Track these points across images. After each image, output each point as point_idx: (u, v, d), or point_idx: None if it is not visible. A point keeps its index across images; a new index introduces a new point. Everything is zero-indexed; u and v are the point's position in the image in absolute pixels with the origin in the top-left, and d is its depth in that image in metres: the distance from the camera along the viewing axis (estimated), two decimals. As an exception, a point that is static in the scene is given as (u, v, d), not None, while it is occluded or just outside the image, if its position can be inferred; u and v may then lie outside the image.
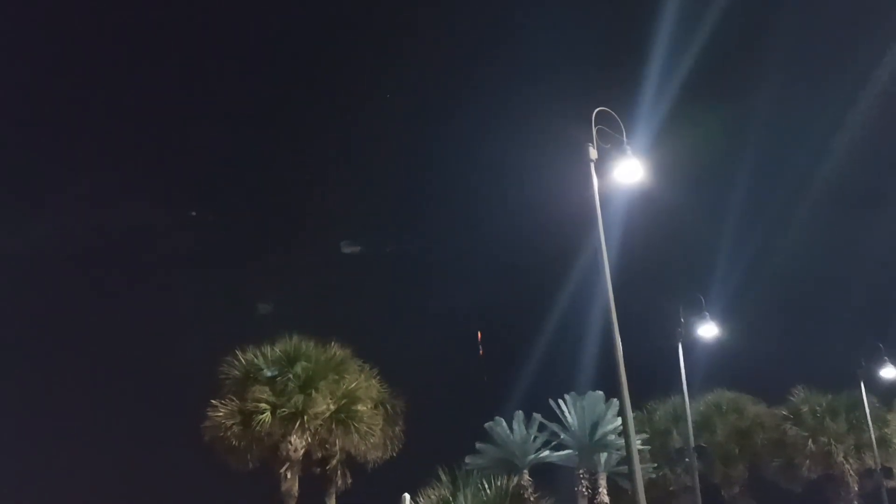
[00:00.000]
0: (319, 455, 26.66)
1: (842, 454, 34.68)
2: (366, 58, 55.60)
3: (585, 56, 51.24)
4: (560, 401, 33.57)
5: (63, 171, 51.74)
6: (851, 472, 34.76)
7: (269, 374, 25.82)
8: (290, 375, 25.72)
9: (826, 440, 34.79)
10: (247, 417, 25.06)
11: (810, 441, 34.89)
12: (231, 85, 58.59)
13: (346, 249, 55.33)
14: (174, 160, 56.00)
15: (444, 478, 28.08)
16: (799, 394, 36.52)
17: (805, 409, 35.79)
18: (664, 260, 50.78)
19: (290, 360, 26.22)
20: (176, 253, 54.06)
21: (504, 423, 33.55)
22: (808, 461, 34.97)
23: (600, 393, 33.39)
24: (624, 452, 16.14)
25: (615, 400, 29.75)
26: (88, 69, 53.14)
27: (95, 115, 54.09)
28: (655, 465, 34.69)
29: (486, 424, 33.91)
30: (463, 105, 56.86)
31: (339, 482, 27.15)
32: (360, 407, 26.38)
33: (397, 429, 28.99)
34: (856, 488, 34.85)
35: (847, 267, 49.53)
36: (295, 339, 26.95)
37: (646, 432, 35.06)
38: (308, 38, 57.97)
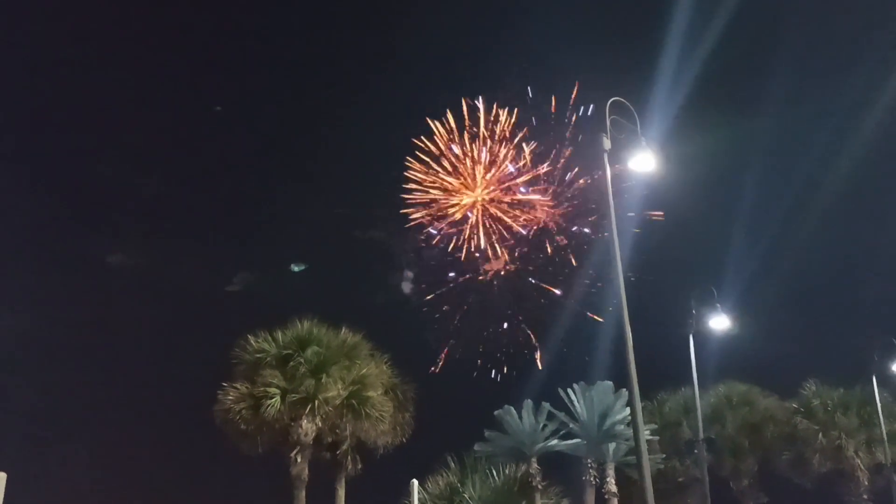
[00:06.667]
0: (329, 440, 26.82)
1: (852, 449, 34.52)
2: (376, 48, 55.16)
3: (602, 50, 51.07)
4: (569, 390, 33.55)
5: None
6: (862, 467, 34.60)
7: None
8: (302, 360, 25.83)
9: (837, 434, 34.63)
10: (257, 402, 25.23)
11: (821, 435, 34.74)
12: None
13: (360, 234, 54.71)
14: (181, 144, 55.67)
15: (452, 464, 28.29)
16: (810, 387, 36.34)
17: (816, 402, 35.62)
18: (678, 251, 50.67)
19: (301, 345, 26.32)
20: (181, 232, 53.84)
21: (513, 412, 33.57)
22: (818, 455, 34.82)
23: (609, 383, 33.34)
24: (633, 443, 16.14)
25: (624, 390, 29.68)
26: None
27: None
28: (664, 456, 34.64)
29: (496, 412, 33.95)
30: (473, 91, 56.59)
31: (349, 467, 27.31)
32: (370, 393, 26.49)
33: (407, 415, 29.13)
34: (866, 483, 34.70)
35: (860, 261, 49.24)
36: (307, 323, 27.07)
37: (655, 423, 35.00)
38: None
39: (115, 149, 51.45)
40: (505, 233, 48.97)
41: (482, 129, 47.54)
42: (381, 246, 53.08)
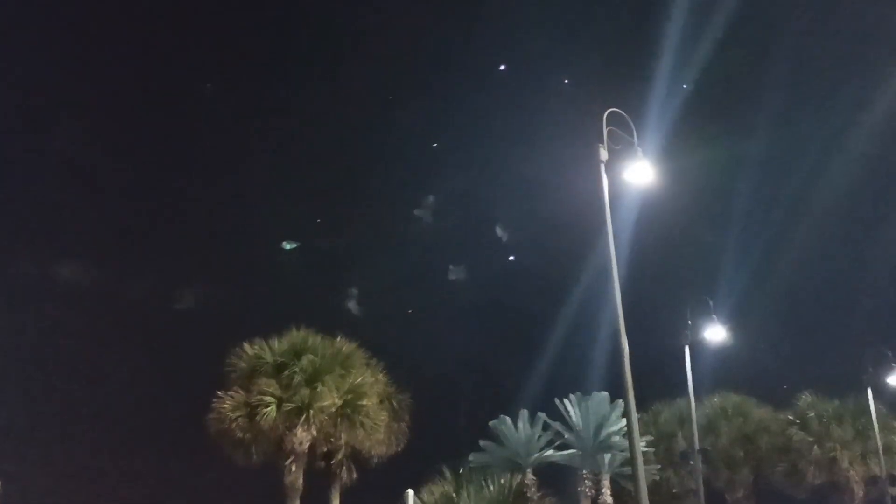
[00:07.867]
0: (324, 449, 26.70)
1: (847, 461, 34.53)
2: (376, 56, 55.15)
3: (598, 58, 51.39)
4: (565, 400, 33.54)
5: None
6: (856, 478, 34.61)
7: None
8: (297, 369, 25.77)
9: (831, 446, 34.66)
10: (252, 410, 25.14)
11: (815, 447, 34.75)
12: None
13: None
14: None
15: (447, 474, 28.20)
16: (805, 399, 36.38)
17: (811, 414, 35.65)
18: (673, 262, 50.78)
19: (296, 354, 26.27)
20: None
21: (509, 422, 33.55)
22: (812, 467, 34.82)
23: (605, 394, 33.37)
24: (628, 454, 16.13)
25: (620, 401, 29.72)
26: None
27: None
28: (659, 467, 34.64)
29: (491, 422, 33.95)
30: (474, 105, 56.90)
31: (344, 477, 27.20)
32: (365, 402, 26.40)
33: (402, 424, 29.05)
34: (861, 495, 34.71)
35: (855, 272, 49.42)
36: (301, 332, 27.02)
37: (651, 434, 35.01)
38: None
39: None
40: None
41: None
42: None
